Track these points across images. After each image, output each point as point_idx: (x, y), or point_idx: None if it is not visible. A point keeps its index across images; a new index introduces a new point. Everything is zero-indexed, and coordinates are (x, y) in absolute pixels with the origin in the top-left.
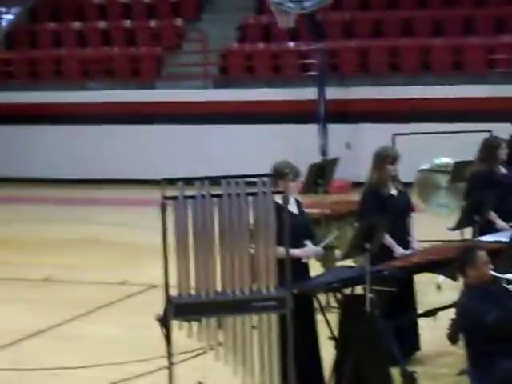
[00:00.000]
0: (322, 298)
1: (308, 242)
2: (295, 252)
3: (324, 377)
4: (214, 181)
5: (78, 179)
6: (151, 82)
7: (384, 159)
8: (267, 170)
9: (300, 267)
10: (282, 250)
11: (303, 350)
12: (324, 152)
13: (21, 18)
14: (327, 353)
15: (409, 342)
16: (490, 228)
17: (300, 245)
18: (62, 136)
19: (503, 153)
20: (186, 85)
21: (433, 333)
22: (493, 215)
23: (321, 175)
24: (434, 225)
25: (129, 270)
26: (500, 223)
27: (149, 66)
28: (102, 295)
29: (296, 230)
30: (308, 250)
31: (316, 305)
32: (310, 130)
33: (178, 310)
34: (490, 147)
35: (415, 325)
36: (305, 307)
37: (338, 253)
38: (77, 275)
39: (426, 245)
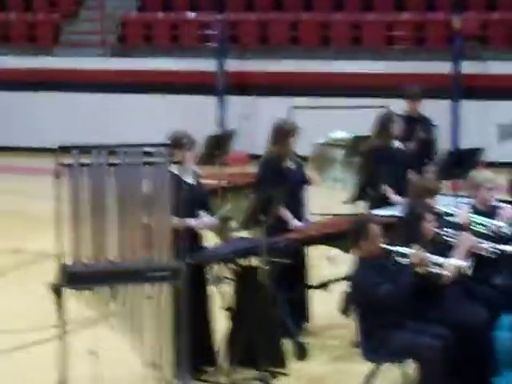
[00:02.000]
0: (217, 268)
1: (203, 213)
2: (190, 222)
3: (215, 347)
4: (111, 150)
5: None
6: (48, 49)
7: (288, 133)
8: (164, 140)
9: (194, 238)
10: (177, 220)
11: (195, 320)
12: (222, 124)
13: None
14: (221, 323)
15: (300, 313)
16: (384, 202)
17: (195, 215)
18: None
19: (397, 128)
20: (84, 53)
21: (325, 305)
22: (387, 190)
23: (218, 147)
24: (329, 198)
25: (22, 239)
26: (394, 198)
27: (46, 32)
28: None
29: (192, 200)
30: (203, 221)
31: (210, 275)
32: (209, 101)
33: (70, 278)
34: (383, 122)
35: (305, 296)
36: (198, 278)
37: (233, 224)
38: None
39: (321, 218)
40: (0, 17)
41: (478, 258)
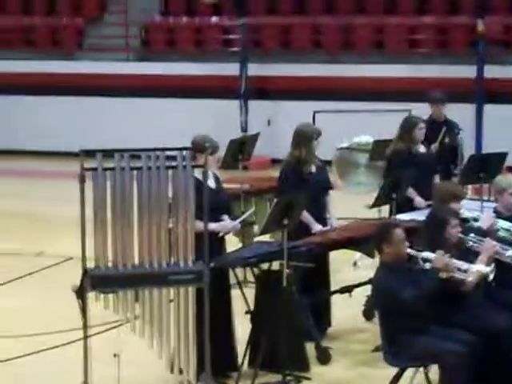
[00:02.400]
0: (240, 272)
1: (225, 217)
2: (212, 226)
3: (237, 351)
4: (134, 154)
5: None
6: (72, 53)
7: (311, 136)
8: (187, 144)
9: (217, 242)
10: (199, 224)
11: (218, 324)
12: (244, 128)
13: None
14: (243, 327)
15: (323, 318)
16: (408, 207)
17: (217, 220)
18: None
19: (421, 132)
20: (108, 57)
21: (348, 310)
22: (412, 192)
23: (240, 151)
24: (352, 203)
25: (46, 242)
26: (418, 200)
27: (70, 36)
28: (18, 266)
29: (214, 204)
30: (225, 225)
31: (233, 279)
32: (231, 105)
33: (94, 281)
34: (407, 126)
35: (328, 301)
36: (221, 282)
37: (256, 228)
38: None
39: (344, 222)
40: (24, 21)
41: (501, 263)
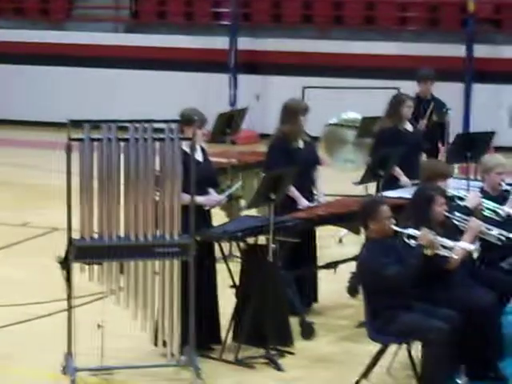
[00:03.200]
0: (225, 247)
1: (212, 190)
2: (199, 199)
3: (220, 324)
4: (121, 125)
5: None
6: (61, 23)
7: (297, 112)
8: (175, 117)
9: (203, 215)
10: (186, 197)
11: (202, 297)
12: (233, 102)
13: None
14: (228, 301)
15: (308, 293)
16: (394, 184)
17: (203, 193)
18: None
19: (409, 110)
20: (97, 28)
21: (333, 285)
22: (397, 171)
23: (229, 125)
24: (339, 179)
25: (31, 212)
26: (404, 179)
27: (59, 6)
28: (3, 236)
29: (200, 177)
30: (211, 198)
31: (218, 253)
32: (220, 79)
33: (79, 252)
34: (395, 104)
35: (314, 276)
36: (206, 255)
37: (242, 203)
38: None
39: (331, 199)
40: None
41: (485, 242)
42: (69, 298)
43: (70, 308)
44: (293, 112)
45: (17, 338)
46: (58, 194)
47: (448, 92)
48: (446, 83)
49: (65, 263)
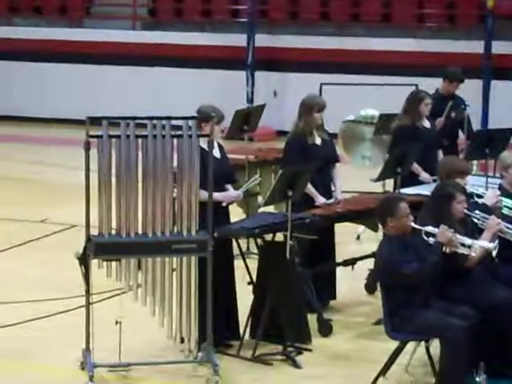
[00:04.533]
0: (243, 243)
1: (229, 187)
2: (216, 196)
3: (239, 321)
4: (140, 122)
5: (2, 116)
6: (79, 21)
7: (311, 107)
8: (193, 114)
9: (221, 212)
10: (203, 194)
11: (220, 294)
12: (251, 99)
13: None
14: (245, 298)
15: (326, 290)
16: (413, 180)
17: (221, 189)
18: None
19: (427, 107)
20: (115, 25)
21: (351, 282)
22: (417, 167)
23: (246, 122)
24: (357, 176)
25: (50, 209)
26: (424, 175)
27: (77, 4)
28: (21, 233)
29: (217, 174)
30: (229, 194)
31: (236, 250)
32: (238, 76)
33: (97, 248)
34: (413, 101)
35: (333, 274)
36: (224, 251)
37: (260, 199)
38: None
39: (349, 195)
40: None
41: (504, 240)
42: (87, 294)
43: (88, 304)
44: (308, 108)
45: (35, 334)
46: (76, 190)
47: (466, 89)
48: (465, 80)
49: (83, 260)
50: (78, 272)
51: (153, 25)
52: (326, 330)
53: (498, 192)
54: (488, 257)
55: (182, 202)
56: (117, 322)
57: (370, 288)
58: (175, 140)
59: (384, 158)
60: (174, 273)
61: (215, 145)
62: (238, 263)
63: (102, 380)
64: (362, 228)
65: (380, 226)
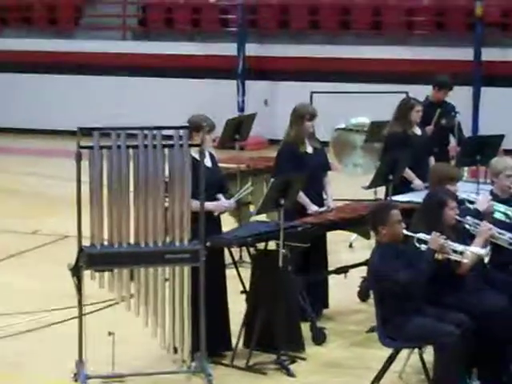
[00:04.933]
0: (235, 253)
1: (221, 196)
2: (208, 205)
3: (230, 331)
4: (130, 132)
5: None
6: (69, 32)
7: (303, 116)
8: (184, 123)
9: (212, 221)
10: (195, 204)
11: (213, 303)
12: (242, 108)
13: None
14: (238, 307)
15: (319, 298)
16: (405, 187)
17: (213, 199)
18: None
19: (418, 115)
20: (105, 36)
21: (343, 290)
22: (410, 174)
23: (238, 131)
24: (348, 184)
25: (41, 220)
26: (416, 182)
27: (67, 15)
28: (13, 244)
29: (209, 183)
30: (220, 204)
31: (229, 259)
32: (229, 85)
33: (90, 259)
34: (404, 108)
35: (325, 282)
36: (216, 261)
37: (252, 209)
38: None
39: (341, 203)
40: None
41: (496, 246)
42: (80, 305)
43: (80, 315)
44: (299, 116)
45: (28, 345)
46: (67, 201)
47: (457, 95)
48: (454, 87)
49: (75, 270)
50: (70, 283)
51: (143, 35)
52: (319, 338)
53: (490, 197)
54: (480, 263)
55: (174, 212)
56: (110, 333)
57: (363, 296)
58: (166, 150)
59: (375, 166)
60: (167, 283)
61: (206, 154)
62: (231, 272)
63: None
64: (354, 236)
65: (372, 234)
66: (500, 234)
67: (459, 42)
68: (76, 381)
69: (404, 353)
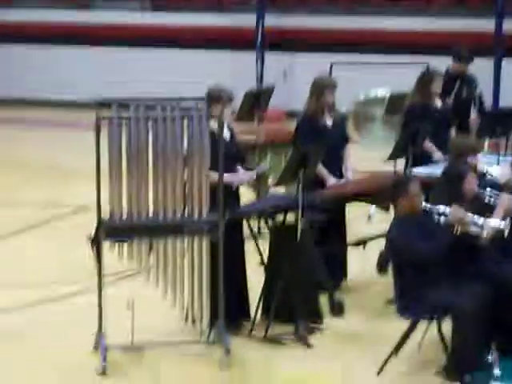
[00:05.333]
0: (254, 224)
1: (240, 168)
2: (227, 177)
3: (249, 301)
4: (149, 104)
5: (10, 99)
6: (86, 3)
7: (322, 88)
8: (202, 95)
9: (231, 193)
10: (214, 176)
11: (232, 274)
12: (260, 80)
13: None
14: (258, 278)
15: (337, 270)
16: (425, 159)
17: (231, 171)
18: None
19: (438, 86)
20: (123, 7)
21: (362, 262)
22: (431, 147)
23: (256, 103)
24: (368, 156)
25: (60, 192)
26: (438, 155)
27: None
28: (32, 216)
29: (228, 155)
30: (239, 176)
31: (247, 231)
32: (248, 57)
33: (109, 231)
34: (424, 80)
35: (344, 254)
36: (235, 232)
37: (270, 181)
38: (7, 196)
39: (360, 176)
40: None
41: None
42: (99, 276)
43: (100, 286)
44: (319, 88)
45: (49, 316)
46: (84, 173)
47: (478, 67)
48: (475, 59)
49: (95, 242)
50: (90, 254)
51: (162, 6)
52: (337, 310)
53: (510, 169)
54: (500, 235)
55: (193, 184)
56: (129, 304)
57: (381, 268)
58: (185, 121)
59: (395, 138)
60: (186, 254)
61: (225, 126)
62: (250, 244)
63: (115, 361)
64: (373, 208)
65: (391, 206)
66: None
67: (480, 13)
68: (96, 351)
69: (422, 324)
